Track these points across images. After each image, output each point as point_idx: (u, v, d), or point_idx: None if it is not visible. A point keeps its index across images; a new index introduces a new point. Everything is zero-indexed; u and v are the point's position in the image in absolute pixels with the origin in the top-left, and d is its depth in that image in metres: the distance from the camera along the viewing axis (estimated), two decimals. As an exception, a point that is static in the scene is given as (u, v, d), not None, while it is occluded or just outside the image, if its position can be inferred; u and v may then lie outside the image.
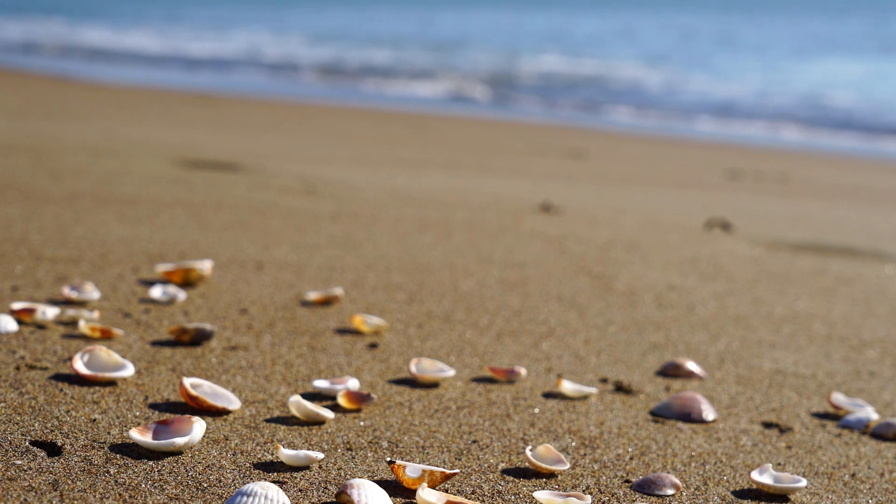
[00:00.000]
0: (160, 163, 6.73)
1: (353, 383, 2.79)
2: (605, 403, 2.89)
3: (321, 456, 2.29)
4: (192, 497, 2.10)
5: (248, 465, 2.28)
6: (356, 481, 2.11)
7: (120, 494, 2.07)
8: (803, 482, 2.37)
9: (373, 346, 3.22)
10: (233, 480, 2.19)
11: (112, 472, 2.16)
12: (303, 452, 2.28)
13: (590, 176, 8.46)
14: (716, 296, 4.23)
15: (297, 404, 2.54)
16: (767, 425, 2.83)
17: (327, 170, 7.17)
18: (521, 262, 4.56)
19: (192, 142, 8.31)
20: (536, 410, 2.79)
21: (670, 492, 2.33)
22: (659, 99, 17.66)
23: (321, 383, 2.78)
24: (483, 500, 2.22)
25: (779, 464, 2.57)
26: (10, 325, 3.01)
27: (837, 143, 13.38)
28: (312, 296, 3.63)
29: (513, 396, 2.88)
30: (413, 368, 2.93)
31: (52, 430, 2.34)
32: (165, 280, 3.70)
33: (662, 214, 6.35)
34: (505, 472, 2.38)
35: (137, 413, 2.51)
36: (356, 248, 4.56)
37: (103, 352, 2.72)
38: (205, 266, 3.71)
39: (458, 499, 2.14)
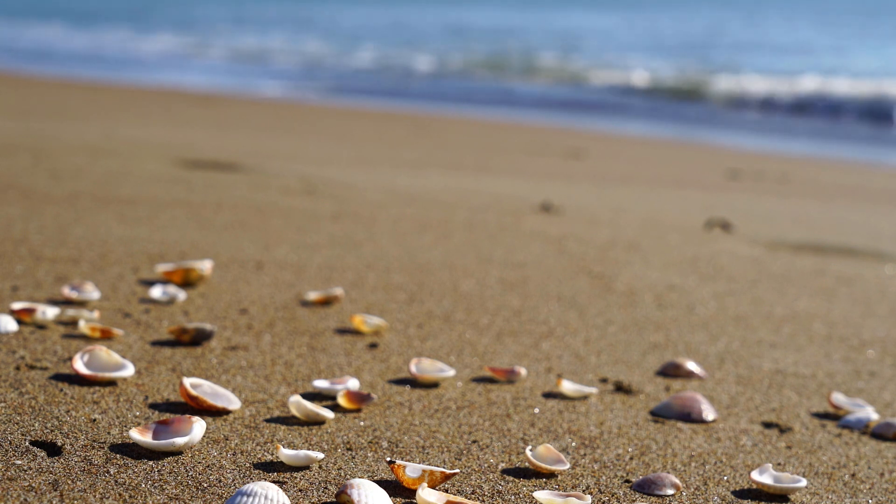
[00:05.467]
0: (160, 163, 6.73)
1: (353, 383, 2.79)
2: (605, 403, 2.89)
3: (321, 456, 2.30)
4: (192, 497, 2.10)
5: (248, 465, 2.28)
6: (356, 481, 2.11)
7: (120, 494, 2.07)
8: (803, 482, 2.37)
9: (373, 346, 3.22)
10: (233, 480, 2.19)
11: (112, 472, 2.16)
12: (303, 452, 2.28)
13: (590, 176, 8.46)
14: (716, 296, 4.23)
15: (297, 404, 2.54)
16: (767, 425, 2.83)
17: (327, 170, 7.17)
18: (521, 262, 4.56)
19: (192, 142, 8.31)
20: (536, 410, 2.79)
21: (670, 492, 2.33)
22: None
23: (321, 383, 2.78)
24: (483, 500, 2.22)
25: (779, 464, 2.57)
26: (10, 325, 3.01)
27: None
28: (312, 296, 3.63)
29: (513, 396, 2.88)
30: (413, 368, 2.93)
31: (52, 430, 2.34)
32: (165, 280, 3.70)
33: (662, 214, 6.35)
34: (505, 472, 2.38)
35: (137, 413, 2.51)
36: (356, 248, 4.56)
37: (103, 352, 2.72)
38: (205, 266, 3.71)
39: (458, 499, 2.14)
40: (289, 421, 2.56)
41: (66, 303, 3.36)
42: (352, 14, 44.68)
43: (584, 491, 2.31)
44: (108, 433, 2.36)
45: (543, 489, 2.29)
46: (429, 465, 2.34)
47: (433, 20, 40.18)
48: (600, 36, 32.34)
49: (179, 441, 2.27)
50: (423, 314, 3.61)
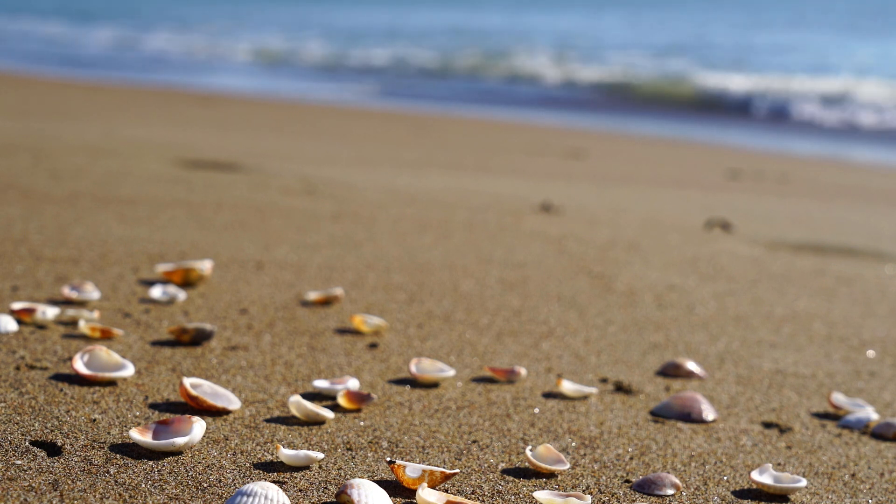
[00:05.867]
0: (160, 163, 6.74)
1: (353, 383, 2.79)
2: (605, 403, 2.89)
3: (321, 456, 2.30)
4: (192, 497, 2.10)
5: (248, 465, 2.28)
6: (356, 481, 2.11)
7: (120, 494, 2.07)
8: (803, 482, 2.37)
9: (373, 346, 3.22)
10: (233, 480, 2.19)
11: (112, 472, 2.16)
12: (303, 452, 2.28)
13: (590, 176, 8.47)
14: (716, 296, 4.23)
15: (297, 404, 2.55)
16: (767, 425, 2.83)
17: (327, 170, 7.17)
18: (521, 262, 4.56)
19: (192, 142, 8.31)
20: (536, 410, 2.79)
21: (670, 492, 2.33)
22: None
23: (321, 383, 2.78)
24: (483, 500, 2.22)
25: (779, 464, 2.57)
26: (10, 325, 3.01)
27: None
28: (312, 296, 3.63)
29: (513, 396, 2.88)
30: (413, 368, 2.93)
31: (52, 430, 2.34)
32: (165, 280, 3.70)
33: (662, 214, 6.35)
34: (505, 472, 2.38)
35: (137, 413, 2.51)
36: (356, 248, 4.56)
37: (103, 352, 2.72)
38: (205, 266, 3.71)
39: (458, 499, 2.14)
40: (289, 421, 2.56)
41: (66, 303, 3.36)
42: (347, 15, 44.66)
43: (584, 491, 2.31)
44: (108, 433, 2.36)
45: (543, 489, 2.29)
46: (429, 465, 2.34)
47: (420, 21, 40.10)
48: (596, 36, 32.33)
49: (179, 441, 2.27)
50: (423, 314, 3.61)
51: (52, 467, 2.16)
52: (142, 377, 2.76)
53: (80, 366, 2.67)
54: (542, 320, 3.67)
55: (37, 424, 2.37)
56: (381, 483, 2.24)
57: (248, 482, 2.19)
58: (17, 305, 3.12)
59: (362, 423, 2.59)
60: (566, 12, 46.92)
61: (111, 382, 2.68)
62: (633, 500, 2.28)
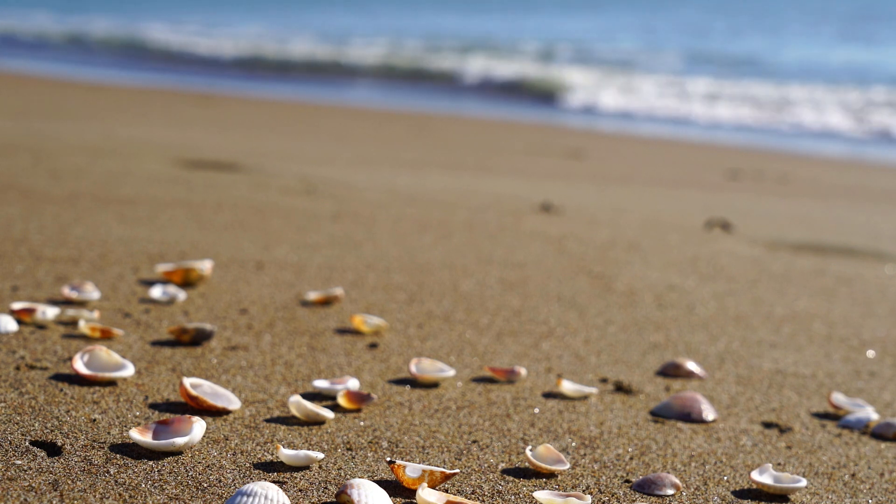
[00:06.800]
0: (160, 163, 6.74)
1: (353, 383, 2.79)
2: (605, 403, 2.89)
3: (321, 456, 2.30)
4: (192, 497, 2.10)
5: (248, 465, 2.28)
6: (356, 481, 2.11)
7: (120, 494, 2.07)
8: (803, 482, 2.37)
9: (373, 346, 3.22)
10: (233, 480, 2.19)
11: (112, 472, 2.16)
12: (303, 452, 2.28)
13: (590, 176, 8.47)
14: (716, 296, 4.23)
15: (297, 404, 2.55)
16: (767, 425, 2.83)
17: (327, 170, 7.17)
18: (521, 262, 4.56)
19: (192, 142, 8.31)
20: (536, 410, 2.79)
21: (670, 492, 2.33)
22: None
23: (321, 383, 2.78)
24: (483, 500, 2.22)
25: (779, 464, 2.57)
26: (10, 325, 3.01)
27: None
28: (312, 296, 3.63)
29: (513, 396, 2.88)
30: (413, 368, 2.93)
31: (52, 430, 2.34)
32: (165, 280, 3.70)
33: (662, 214, 6.35)
34: (505, 472, 2.38)
35: (137, 413, 2.51)
36: (356, 248, 4.56)
37: (103, 352, 2.72)
38: (205, 266, 3.71)
39: (458, 499, 2.14)
40: (289, 421, 2.56)
41: (66, 303, 3.36)
42: (341, 16, 44.17)
43: (584, 491, 2.31)
44: (108, 433, 2.36)
45: (543, 489, 2.29)
46: (429, 465, 2.34)
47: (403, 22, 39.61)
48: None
49: (179, 441, 2.27)
50: (423, 314, 3.61)
51: (52, 467, 2.16)
52: (142, 377, 2.76)
53: (80, 366, 2.67)
54: (542, 320, 3.67)
55: (37, 424, 2.37)
56: (381, 483, 2.24)
57: (248, 482, 2.19)
58: (17, 305, 3.12)
59: (362, 423, 2.59)
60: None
61: (111, 382, 2.69)
62: (633, 500, 2.28)
